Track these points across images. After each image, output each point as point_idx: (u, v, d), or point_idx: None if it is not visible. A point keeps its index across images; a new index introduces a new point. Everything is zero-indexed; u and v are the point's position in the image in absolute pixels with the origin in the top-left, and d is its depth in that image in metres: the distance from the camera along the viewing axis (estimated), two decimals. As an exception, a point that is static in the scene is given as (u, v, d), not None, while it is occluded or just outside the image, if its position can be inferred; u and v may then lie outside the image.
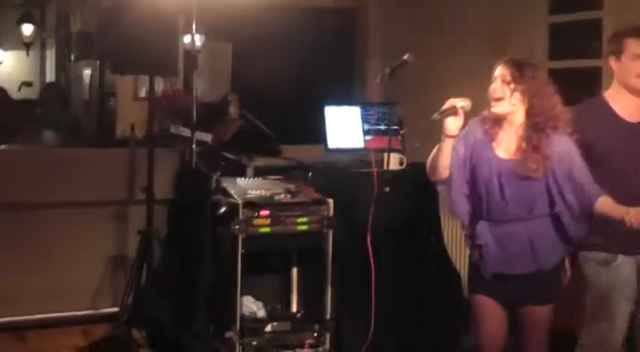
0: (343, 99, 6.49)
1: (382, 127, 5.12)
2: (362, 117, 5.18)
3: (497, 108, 3.48)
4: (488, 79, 3.55)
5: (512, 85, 3.44)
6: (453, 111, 3.41)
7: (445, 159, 3.51)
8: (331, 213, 4.64)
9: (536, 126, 3.43)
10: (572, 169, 3.42)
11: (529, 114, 3.45)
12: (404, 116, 5.32)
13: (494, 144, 3.54)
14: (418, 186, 4.57)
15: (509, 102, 3.46)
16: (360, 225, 4.08)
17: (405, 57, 3.92)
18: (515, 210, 3.48)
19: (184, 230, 5.36)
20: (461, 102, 3.41)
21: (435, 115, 3.46)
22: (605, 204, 3.37)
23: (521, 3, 5.84)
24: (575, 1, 5.50)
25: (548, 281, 3.57)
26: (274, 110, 7.06)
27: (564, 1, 5.58)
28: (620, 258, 3.67)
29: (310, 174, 5.14)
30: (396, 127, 5.12)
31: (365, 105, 5.27)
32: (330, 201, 4.65)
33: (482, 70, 5.67)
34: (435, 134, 3.57)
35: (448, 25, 6.50)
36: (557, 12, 5.64)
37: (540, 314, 3.61)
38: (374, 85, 3.99)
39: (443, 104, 3.48)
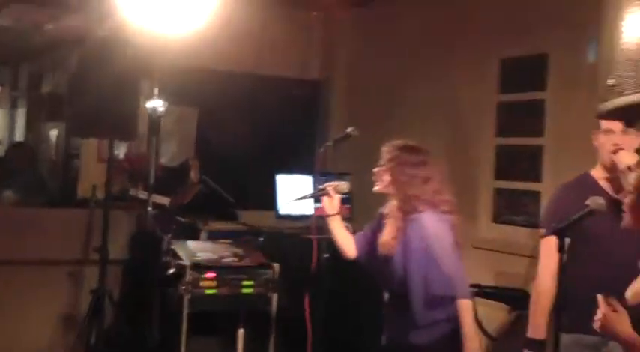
0: (304, 167, 6.68)
1: (333, 196, 5.30)
2: (313, 186, 5.36)
3: (375, 189, 3.70)
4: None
5: (382, 168, 3.66)
6: (325, 193, 3.65)
7: (339, 238, 3.78)
8: (276, 277, 4.79)
9: (397, 207, 3.61)
10: (430, 249, 3.51)
11: (393, 195, 3.64)
12: (355, 187, 5.52)
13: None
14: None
15: (380, 184, 3.66)
16: (304, 289, 4.22)
17: (349, 130, 4.10)
18: (385, 286, 3.67)
19: (136, 290, 5.47)
20: (333, 185, 3.65)
21: (305, 195, 3.72)
22: (465, 308, 3.45)
23: (473, 84, 6.08)
24: (522, 82, 5.73)
25: None
26: (236, 175, 7.22)
27: (512, 82, 5.81)
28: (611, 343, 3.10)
29: (261, 239, 5.31)
30: (345, 197, 5.28)
31: (317, 174, 5.45)
32: (276, 265, 4.81)
33: (436, 145, 5.93)
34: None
35: (406, 100, 6.73)
36: (505, 92, 5.87)
37: None
38: (319, 155, 4.15)
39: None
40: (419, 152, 3.70)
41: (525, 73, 5.69)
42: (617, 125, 3.43)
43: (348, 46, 7.68)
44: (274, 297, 4.79)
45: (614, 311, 2.45)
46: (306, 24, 7.58)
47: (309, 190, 5.37)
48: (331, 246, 4.03)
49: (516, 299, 4.90)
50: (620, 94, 1.43)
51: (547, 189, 5.46)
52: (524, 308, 4.78)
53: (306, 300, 4.05)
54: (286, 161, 7.00)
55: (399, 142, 3.72)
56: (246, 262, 4.84)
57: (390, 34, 6.97)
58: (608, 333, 2.49)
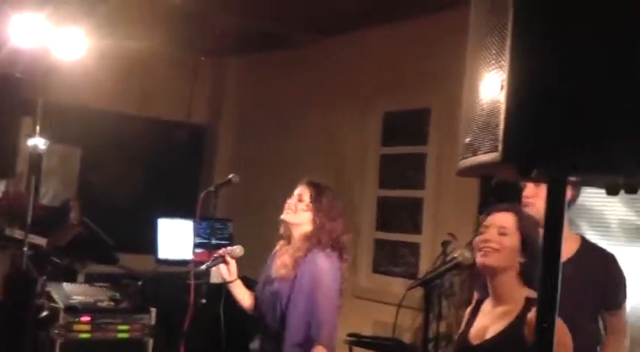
0: (187, 211, 6.63)
1: (213, 242, 5.31)
2: (194, 231, 5.34)
3: (287, 217, 3.70)
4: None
5: (307, 203, 3.66)
6: (221, 260, 3.66)
7: (240, 300, 3.78)
8: (153, 321, 4.72)
9: (313, 242, 3.60)
10: (316, 289, 3.52)
11: (314, 231, 3.63)
12: (237, 232, 5.52)
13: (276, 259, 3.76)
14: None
15: (299, 215, 3.67)
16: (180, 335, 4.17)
17: (230, 177, 4.10)
18: (266, 319, 3.66)
19: (6, 333, 5.28)
20: (227, 251, 3.66)
21: (203, 266, 3.72)
22: None
23: (357, 135, 6.20)
24: (404, 135, 5.88)
25: None
26: (118, 218, 7.12)
27: (395, 135, 5.96)
28: None
29: (140, 283, 5.23)
30: (226, 242, 5.30)
31: (198, 219, 5.44)
32: (153, 310, 4.74)
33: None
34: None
35: (291, 149, 6.79)
36: (388, 144, 6.00)
37: None
38: (200, 200, 4.12)
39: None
40: (334, 193, 3.76)
41: (408, 126, 5.85)
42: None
43: (235, 91, 7.74)
44: (150, 342, 4.72)
45: None
46: (194, 68, 7.59)
47: (191, 234, 5.41)
48: (209, 290, 4.01)
49: (392, 348, 4.97)
50: (475, 153, 1.49)
51: (426, 240, 5.60)
52: (400, 357, 4.87)
53: (182, 346, 4.00)
54: (168, 205, 6.95)
55: (322, 183, 3.76)
56: (122, 306, 4.76)
57: (277, 82, 7.06)
58: None
